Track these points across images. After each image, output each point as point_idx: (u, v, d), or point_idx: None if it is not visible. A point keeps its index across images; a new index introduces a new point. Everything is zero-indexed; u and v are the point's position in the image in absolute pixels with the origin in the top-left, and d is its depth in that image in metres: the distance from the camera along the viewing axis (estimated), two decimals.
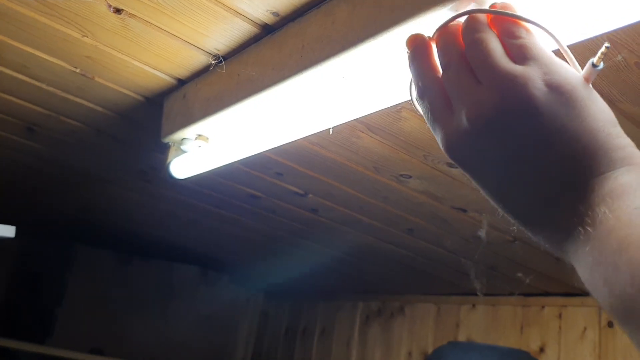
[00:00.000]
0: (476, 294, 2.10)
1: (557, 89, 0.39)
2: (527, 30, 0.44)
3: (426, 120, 0.46)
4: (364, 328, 2.70)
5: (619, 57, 0.72)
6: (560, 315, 1.96)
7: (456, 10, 0.54)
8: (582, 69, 0.42)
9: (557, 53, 0.44)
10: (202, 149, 1.11)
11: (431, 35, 0.49)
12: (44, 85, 1.24)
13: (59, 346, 2.63)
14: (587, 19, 0.53)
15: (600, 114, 0.39)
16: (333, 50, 0.73)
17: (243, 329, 3.29)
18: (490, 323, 2.17)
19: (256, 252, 2.54)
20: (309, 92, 0.84)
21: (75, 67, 1.13)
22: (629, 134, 0.40)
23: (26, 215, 2.70)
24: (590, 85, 0.41)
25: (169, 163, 1.16)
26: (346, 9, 0.74)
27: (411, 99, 0.50)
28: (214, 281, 3.18)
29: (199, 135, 1.10)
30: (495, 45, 0.42)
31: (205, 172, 1.17)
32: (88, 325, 2.85)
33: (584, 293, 1.86)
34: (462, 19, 0.47)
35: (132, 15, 0.91)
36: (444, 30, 0.47)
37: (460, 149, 0.42)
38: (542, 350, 1.97)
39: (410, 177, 1.34)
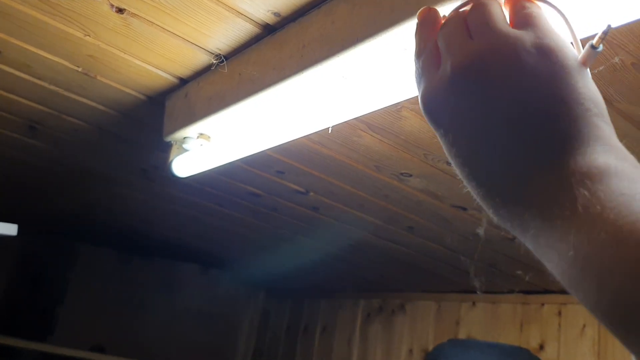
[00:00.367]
0: (476, 292, 2.11)
1: (546, 52, 0.39)
2: (537, 6, 0.44)
3: (415, 79, 0.45)
4: (365, 325, 2.71)
5: (616, 59, 0.72)
6: (559, 313, 1.97)
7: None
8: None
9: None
10: (203, 148, 1.11)
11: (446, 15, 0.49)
12: (46, 84, 1.24)
13: (60, 344, 2.64)
14: (584, 19, 0.54)
15: (584, 89, 0.38)
16: (333, 50, 0.74)
17: (244, 326, 3.30)
18: (490, 320, 2.18)
19: (257, 250, 2.55)
20: (309, 92, 0.85)
21: (78, 66, 1.14)
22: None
23: (28, 214, 2.71)
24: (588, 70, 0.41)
25: (171, 161, 1.16)
26: (346, 9, 0.74)
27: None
28: (216, 279, 3.19)
29: (201, 133, 1.10)
30: (496, 10, 0.43)
31: (207, 171, 1.17)
32: (89, 323, 2.86)
33: None
34: None
35: (134, 15, 0.92)
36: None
37: (436, 100, 0.42)
38: (541, 347, 1.98)
39: (411, 175, 1.35)
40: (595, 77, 0.80)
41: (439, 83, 0.42)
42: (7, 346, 2.54)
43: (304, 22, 0.83)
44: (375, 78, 0.76)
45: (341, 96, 0.82)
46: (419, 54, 0.46)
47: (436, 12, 0.48)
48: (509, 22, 0.43)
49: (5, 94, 1.34)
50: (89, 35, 1.00)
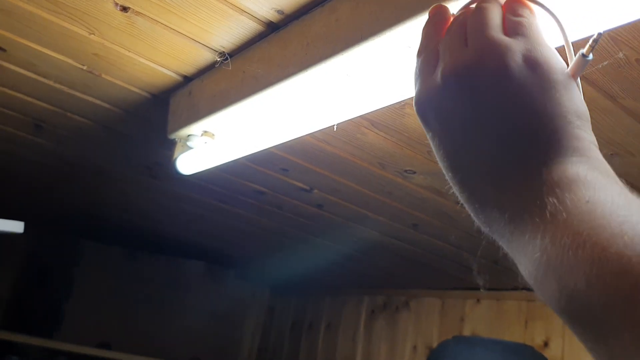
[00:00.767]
0: (480, 289, 2.11)
1: (533, 66, 0.40)
2: (532, 12, 0.44)
3: (414, 77, 0.46)
4: (369, 322, 2.72)
5: (620, 55, 0.72)
6: None
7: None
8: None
9: (561, 50, 0.44)
10: (208, 145, 1.12)
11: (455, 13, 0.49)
12: (51, 82, 1.25)
13: (66, 341, 2.65)
14: (589, 16, 0.54)
15: (568, 103, 0.39)
16: (337, 48, 0.74)
17: (249, 323, 3.31)
18: (494, 317, 2.18)
19: (262, 248, 2.56)
20: (313, 89, 0.85)
21: (83, 65, 1.14)
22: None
23: (34, 211, 2.72)
24: (579, 79, 0.41)
25: (176, 159, 1.17)
26: (350, 7, 0.75)
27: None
28: (221, 276, 3.20)
29: (205, 131, 1.11)
30: (493, 17, 0.43)
31: (211, 168, 1.18)
32: (96, 320, 2.87)
33: None
34: None
35: (138, 13, 0.92)
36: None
37: (428, 103, 0.43)
38: (546, 344, 1.97)
39: (415, 172, 1.35)
40: (600, 73, 0.80)
41: (431, 86, 0.43)
42: (14, 342, 2.56)
43: (308, 20, 0.84)
44: (379, 76, 0.76)
45: (345, 94, 0.82)
46: (420, 52, 0.46)
47: (446, 9, 0.48)
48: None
49: (10, 92, 1.34)
50: (93, 34, 1.01)
